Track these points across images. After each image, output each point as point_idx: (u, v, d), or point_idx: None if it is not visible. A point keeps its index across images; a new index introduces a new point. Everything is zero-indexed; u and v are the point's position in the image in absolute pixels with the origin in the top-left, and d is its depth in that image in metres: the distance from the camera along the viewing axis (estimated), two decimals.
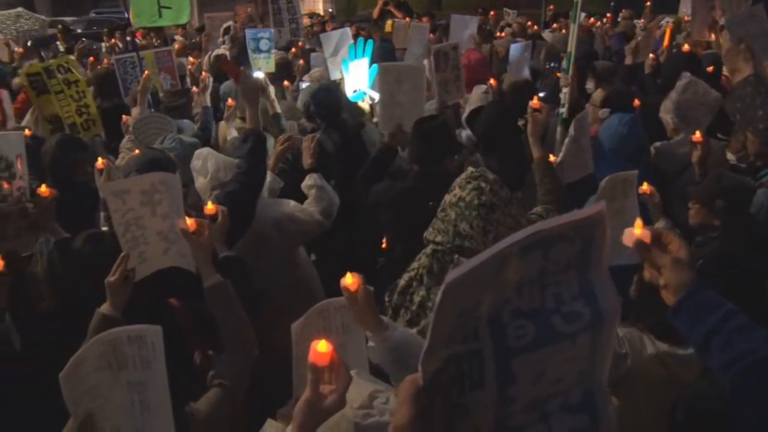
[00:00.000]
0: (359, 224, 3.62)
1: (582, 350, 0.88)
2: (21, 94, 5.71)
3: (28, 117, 5.04)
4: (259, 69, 5.44)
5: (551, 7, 13.49)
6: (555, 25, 10.70)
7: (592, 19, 10.21)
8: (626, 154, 3.51)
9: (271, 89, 4.27)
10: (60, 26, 13.49)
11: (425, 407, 0.81)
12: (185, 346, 2.20)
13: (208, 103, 4.93)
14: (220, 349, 2.21)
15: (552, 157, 3.33)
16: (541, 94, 4.99)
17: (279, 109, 4.28)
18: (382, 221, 3.16)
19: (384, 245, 3.20)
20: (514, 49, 6.32)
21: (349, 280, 1.78)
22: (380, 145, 3.94)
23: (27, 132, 4.03)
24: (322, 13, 17.96)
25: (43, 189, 2.98)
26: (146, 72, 5.26)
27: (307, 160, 3.51)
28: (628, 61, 6.21)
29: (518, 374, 0.84)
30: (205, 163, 3.05)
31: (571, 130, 3.45)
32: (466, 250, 2.30)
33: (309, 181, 3.37)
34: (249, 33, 6.13)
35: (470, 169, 2.42)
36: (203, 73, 5.56)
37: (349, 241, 3.66)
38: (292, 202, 3.28)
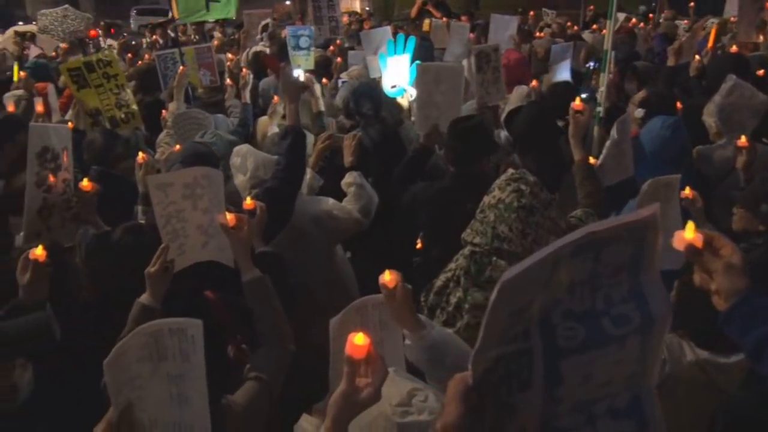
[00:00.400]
0: (395, 223, 3.62)
1: (631, 354, 0.87)
2: (66, 89, 5.85)
3: (70, 111, 5.16)
4: (299, 66, 5.48)
5: (591, 7, 13.32)
6: (595, 26, 10.56)
7: (633, 20, 10.05)
8: (668, 157, 3.44)
9: (317, 87, 4.29)
10: (102, 23, 13.82)
11: (474, 406, 0.80)
12: (221, 339, 2.23)
13: (248, 99, 4.98)
14: (255, 344, 2.23)
15: (592, 160, 3.28)
16: (583, 96, 4.93)
17: (323, 107, 4.30)
18: (419, 222, 3.15)
19: (419, 245, 3.20)
20: (556, 50, 6.25)
21: (388, 277, 1.78)
22: (416, 144, 3.94)
23: (69, 125, 4.13)
24: (359, 11, 18.03)
25: (86, 183, 3.05)
26: (181, 68, 5.33)
27: (347, 158, 3.53)
28: (671, 62, 6.09)
29: (566, 375, 0.84)
30: (245, 160, 3.07)
31: (613, 132, 3.40)
32: (504, 252, 2.29)
33: (349, 178, 3.37)
34: (290, 30, 6.17)
35: (510, 170, 2.40)
36: (243, 69, 5.61)
37: (385, 240, 3.66)
38: (331, 200, 3.29)
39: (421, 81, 4.04)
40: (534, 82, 4.93)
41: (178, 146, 3.52)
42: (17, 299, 2.23)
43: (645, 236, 0.85)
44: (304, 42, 6.01)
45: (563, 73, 5.49)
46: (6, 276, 2.45)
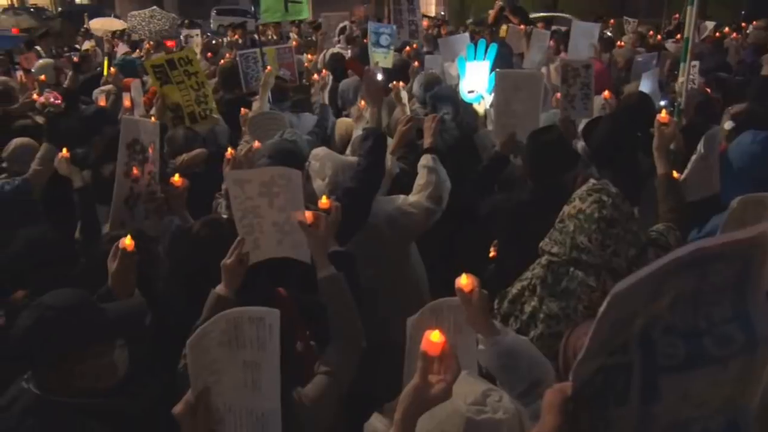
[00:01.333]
0: (466, 229, 3.59)
1: (732, 376, 0.83)
2: (151, 86, 6.08)
3: (155, 106, 5.36)
4: (377, 63, 5.49)
5: (675, 15, 12.82)
6: (678, 36, 10.21)
7: (726, 29, 9.64)
8: (758, 174, 3.29)
9: (404, 94, 4.29)
10: (186, 22, 14.36)
11: (571, 418, 0.79)
12: (291, 333, 2.27)
13: (326, 100, 5.03)
14: (323, 340, 2.26)
15: (675, 174, 3.17)
16: (662, 103, 4.78)
17: (408, 111, 4.29)
18: (496, 232, 3.11)
19: (492, 253, 3.16)
20: (639, 61, 6.07)
21: (465, 281, 1.77)
22: (492, 153, 3.89)
23: (152, 119, 4.30)
24: (433, 14, 18.02)
25: (176, 179, 3.18)
26: (268, 67, 5.45)
27: (427, 139, 3.47)
28: (765, 72, 5.81)
29: (664, 393, 0.81)
30: (324, 165, 3.08)
31: (700, 147, 3.28)
32: (582, 263, 2.25)
33: (424, 161, 3.32)
34: (371, 27, 6.17)
35: (591, 180, 2.35)
36: (323, 71, 5.67)
37: (454, 245, 3.64)
38: (402, 197, 3.26)
39: (499, 88, 3.98)
40: (607, 93, 4.76)
41: (257, 143, 3.60)
42: (106, 286, 2.34)
43: (753, 256, 0.81)
44: (384, 40, 6.01)
45: (649, 85, 5.32)
46: (95, 262, 2.59)
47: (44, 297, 1.98)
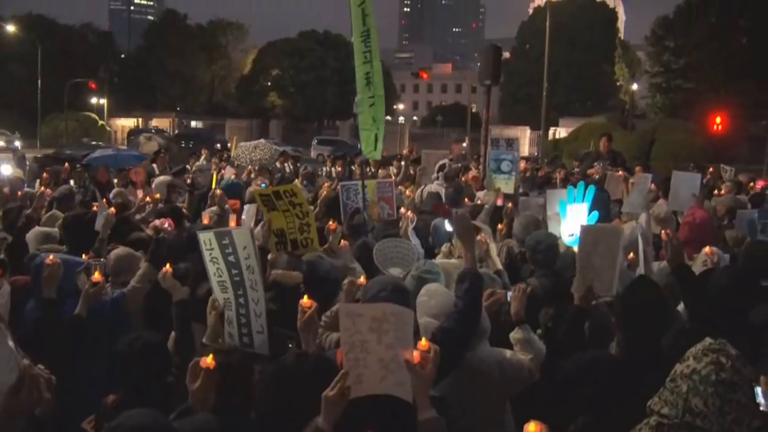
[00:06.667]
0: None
1: None
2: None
3: (258, 228, 5.60)
4: (498, 189, 5.53)
5: None
6: None
7: None
8: None
9: (493, 247, 4.31)
10: (284, 151, 15.45)
11: None
12: None
13: (410, 239, 5.03)
14: None
15: None
16: None
17: (500, 265, 4.29)
18: (583, 395, 3.00)
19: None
20: (745, 217, 5.94)
21: (533, 428, 1.82)
22: (572, 307, 3.77)
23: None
24: (527, 154, 18.41)
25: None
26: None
27: (514, 311, 3.45)
28: None
29: None
30: (429, 300, 3.13)
31: None
32: (696, 428, 2.12)
33: (517, 334, 3.33)
34: (492, 154, 6.32)
35: (708, 339, 2.27)
36: (410, 212, 5.65)
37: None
38: (510, 352, 3.28)
39: (582, 243, 3.95)
40: (708, 249, 4.59)
41: (362, 279, 3.67)
42: (187, 403, 2.41)
43: None
44: (506, 166, 6.13)
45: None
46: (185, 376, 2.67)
47: (121, 418, 2.06)
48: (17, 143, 33.62)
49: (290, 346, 3.20)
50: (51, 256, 3.81)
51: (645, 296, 3.23)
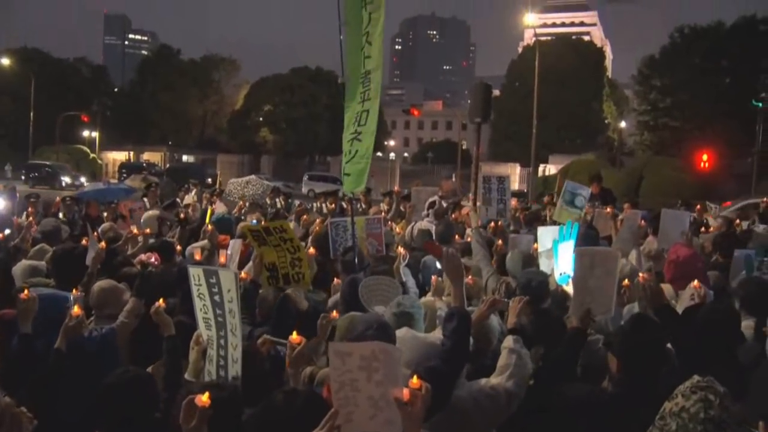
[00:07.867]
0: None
1: None
2: (242, 246, 6.28)
3: (250, 263, 5.59)
4: (565, 221, 5.53)
5: (764, 199, 12.46)
6: None
7: None
8: None
9: (491, 283, 4.31)
10: (276, 187, 15.54)
11: None
12: None
13: (403, 275, 5.06)
14: None
15: None
16: None
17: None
18: (579, 428, 2.99)
19: None
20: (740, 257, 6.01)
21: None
22: (570, 330, 3.79)
23: (243, 275, 4.45)
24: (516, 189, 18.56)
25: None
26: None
27: (511, 320, 3.46)
28: None
29: None
30: (405, 347, 2.99)
31: None
32: None
33: (507, 342, 3.30)
34: (568, 185, 6.31)
35: (695, 377, 2.28)
36: (401, 249, 5.71)
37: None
38: (484, 380, 3.22)
39: (578, 265, 3.99)
40: (696, 283, 4.62)
41: (335, 313, 3.68)
42: None
43: None
44: (579, 201, 6.14)
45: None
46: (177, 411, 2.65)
47: None
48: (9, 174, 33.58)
49: None
50: (25, 291, 3.77)
51: (648, 335, 3.24)
